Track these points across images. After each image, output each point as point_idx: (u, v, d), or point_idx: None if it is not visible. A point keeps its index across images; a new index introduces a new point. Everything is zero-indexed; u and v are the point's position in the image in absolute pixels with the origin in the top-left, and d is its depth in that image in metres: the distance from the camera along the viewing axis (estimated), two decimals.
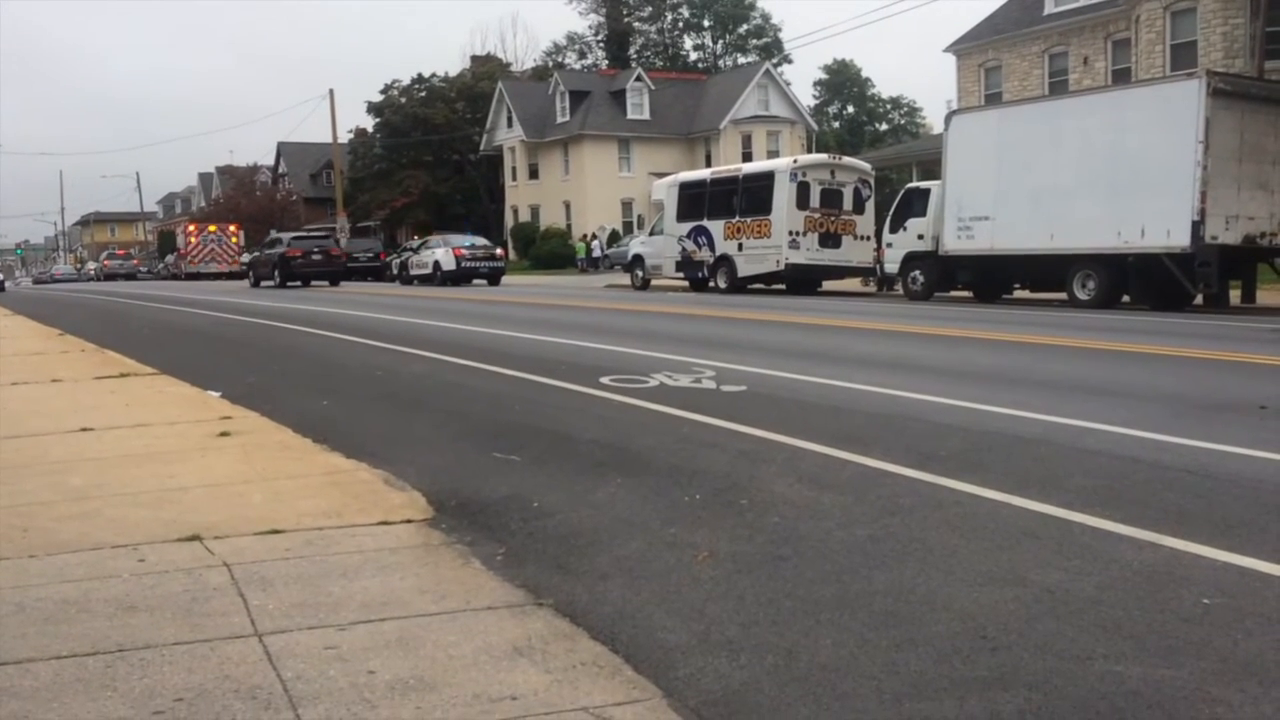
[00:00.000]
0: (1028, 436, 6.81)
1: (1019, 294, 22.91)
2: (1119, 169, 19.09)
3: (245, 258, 49.23)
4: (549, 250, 52.88)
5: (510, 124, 59.61)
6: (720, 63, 79.42)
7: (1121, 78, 32.58)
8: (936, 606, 3.91)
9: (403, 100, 64.77)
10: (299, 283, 36.38)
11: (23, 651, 3.56)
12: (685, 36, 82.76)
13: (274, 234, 42.99)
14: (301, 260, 36.87)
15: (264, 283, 37.95)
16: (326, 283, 36.66)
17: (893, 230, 24.22)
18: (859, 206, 26.54)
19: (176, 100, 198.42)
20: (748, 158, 49.33)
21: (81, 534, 4.98)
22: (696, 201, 28.40)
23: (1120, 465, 5.98)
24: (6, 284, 55.98)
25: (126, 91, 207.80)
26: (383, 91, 66.26)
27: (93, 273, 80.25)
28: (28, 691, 3.26)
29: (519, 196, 60.11)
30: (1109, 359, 11.20)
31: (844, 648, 3.57)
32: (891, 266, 24.41)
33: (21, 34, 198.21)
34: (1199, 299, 19.00)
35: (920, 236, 23.27)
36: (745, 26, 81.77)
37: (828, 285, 27.57)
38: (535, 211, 58.90)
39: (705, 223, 27.79)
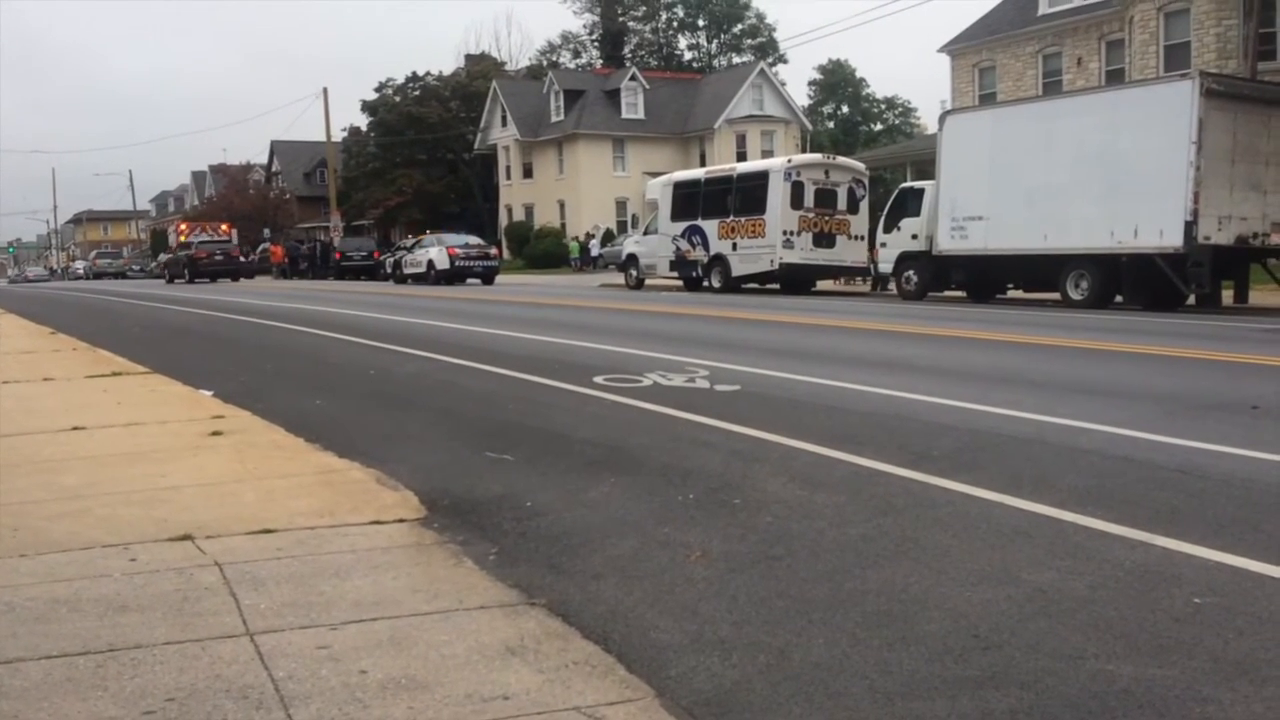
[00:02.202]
0: (1021, 436, 6.82)
1: (1012, 294, 22.95)
2: (1112, 169, 19.12)
3: (160, 259, 54.58)
4: (543, 249, 52.89)
5: (504, 123, 59.56)
6: (715, 62, 79.36)
7: (1115, 78, 32.58)
8: (929, 606, 3.91)
9: (397, 99, 64.74)
10: (206, 279, 42.42)
11: (12, 651, 3.55)
12: (680, 36, 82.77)
13: (183, 239, 51.39)
14: (206, 260, 43.68)
15: (176, 280, 44.42)
16: (229, 279, 42.75)
17: (887, 230, 24.23)
18: (853, 206, 26.55)
19: (170, 98, 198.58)
20: (742, 157, 49.24)
21: (73, 533, 4.96)
22: (691, 201, 28.40)
23: (1113, 465, 5.99)
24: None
25: (120, 89, 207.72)
26: (377, 90, 66.41)
27: (82, 271, 80.00)
28: (17, 691, 3.24)
29: (513, 195, 60.07)
30: (1102, 359, 11.22)
31: (836, 647, 3.57)
32: (885, 266, 24.44)
33: (16, 32, 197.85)
34: (1191, 299, 19.03)
35: (914, 236, 23.29)
36: (740, 26, 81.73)
37: (821, 285, 27.59)
38: (529, 211, 58.86)
39: (700, 222, 27.79)
